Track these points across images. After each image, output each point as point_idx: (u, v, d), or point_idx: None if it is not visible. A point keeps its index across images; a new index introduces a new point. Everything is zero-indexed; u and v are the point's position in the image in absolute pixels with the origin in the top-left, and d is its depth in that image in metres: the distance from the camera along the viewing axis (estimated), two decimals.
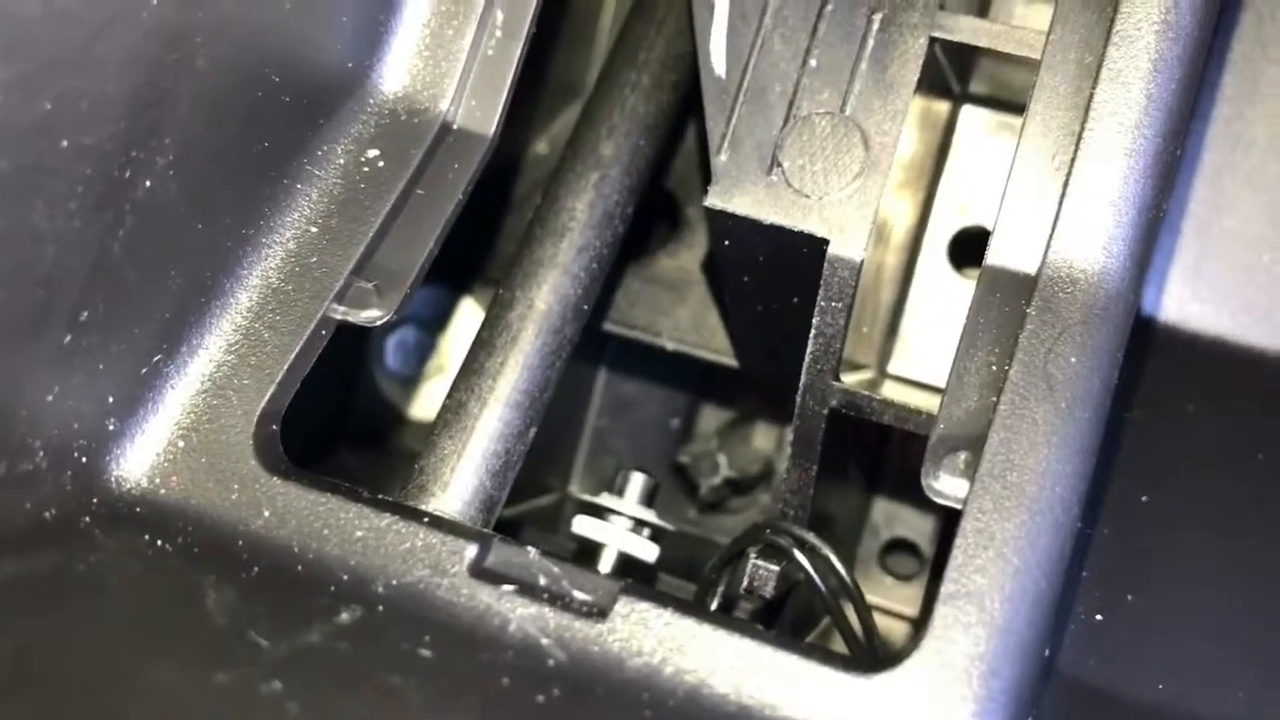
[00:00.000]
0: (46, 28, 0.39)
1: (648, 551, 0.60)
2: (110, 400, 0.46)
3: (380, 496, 0.46)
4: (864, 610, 0.53)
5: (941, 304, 0.64)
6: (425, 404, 0.78)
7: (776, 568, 0.53)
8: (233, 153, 0.48)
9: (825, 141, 0.52)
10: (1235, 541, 0.57)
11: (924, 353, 0.65)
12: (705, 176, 0.66)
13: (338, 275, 0.50)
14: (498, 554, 0.45)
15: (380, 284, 0.50)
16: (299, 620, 0.40)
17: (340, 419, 0.77)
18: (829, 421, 0.55)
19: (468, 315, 0.77)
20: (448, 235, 0.51)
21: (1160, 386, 0.61)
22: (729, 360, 0.69)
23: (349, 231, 0.51)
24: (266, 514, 0.45)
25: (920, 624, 0.43)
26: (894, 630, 0.70)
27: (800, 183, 0.52)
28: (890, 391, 0.59)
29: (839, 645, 0.53)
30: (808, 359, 0.54)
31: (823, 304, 0.53)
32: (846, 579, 0.53)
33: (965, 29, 0.52)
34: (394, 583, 0.44)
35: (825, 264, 0.52)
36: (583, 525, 0.60)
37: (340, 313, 0.50)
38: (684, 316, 0.69)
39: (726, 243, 0.55)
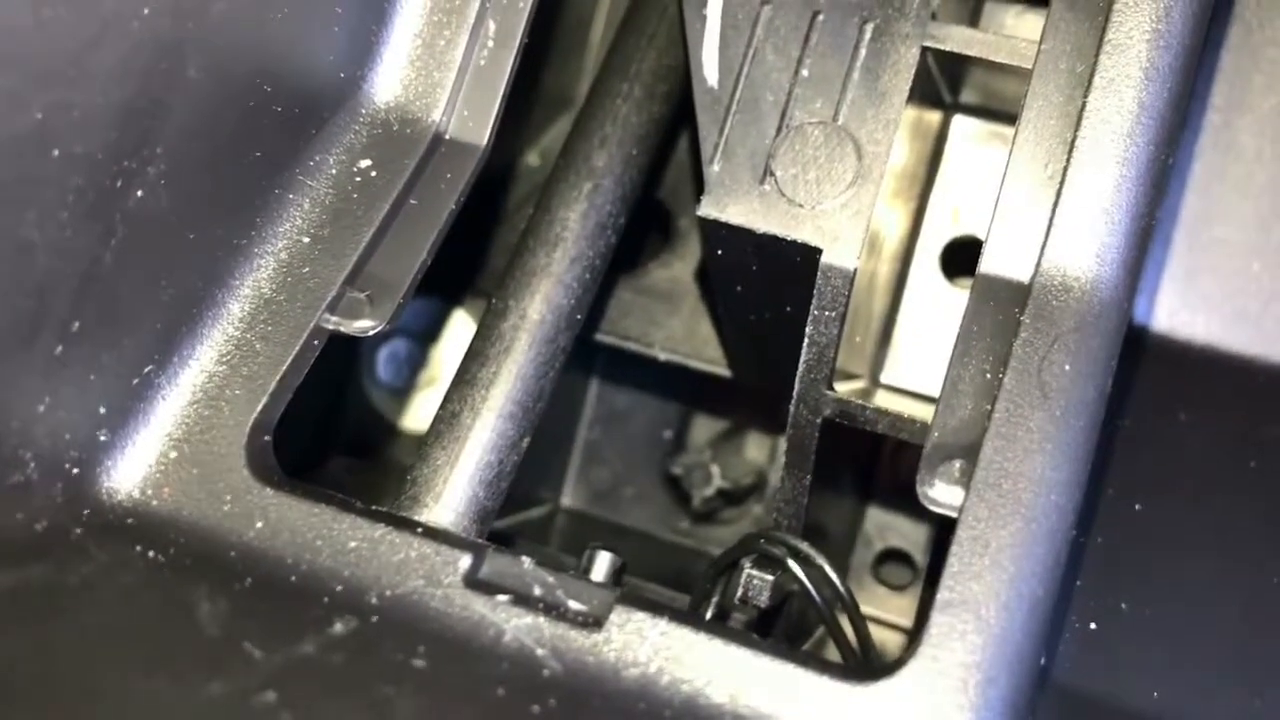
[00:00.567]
0: (37, 38, 0.39)
1: None
2: (102, 411, 0.46)
3: (374, 507, 0.46)
4: (859, 620, 0.53)
5: (934, 313, 0.64)
6: (416, 416, 0.78)
7: (771, 577, 0.53)
8: (225, 163, 0.48)
9: (818, 151, 0.53)
10: (1228, 549, 0.57)
11: (916, 362, 0.65)
12: (697, 186, 0.66)
13: (330, 285, 0.50)
14: (492, 564, 0.45)
15: (373, 294, 0.50)
16: (292, 631, 0.40)
17: (331, 431, 0.76)
18: (823, 431, 0.55)
19: (459, 327, 0.77)
20: (441, 245, 0.51)
21: (1152, 395, 0.61)
22: (721, 370, 0.69)
23: (341, 241, 0.50)
24: (259, 525, 0.45)
25: (916, 632, 0.43)
26: (888, 641, 0.69)
27: (793, 192, 0.52)
28: (883, 401, 0.59)
29: (833, 655, 0.53)
30: (801, 368, 0.54)
31: (816, 313, 0.53)
32: (841, 589, 0.53)
33: (957, 38, 0.52)
34: (388, 593, 0.43)
35: (819, 273, 0.52)
36: None
37: (333, 323, 0.49)
38: (676, 327, 0.69)
39: (720, 252, 0.55)
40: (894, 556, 0.72)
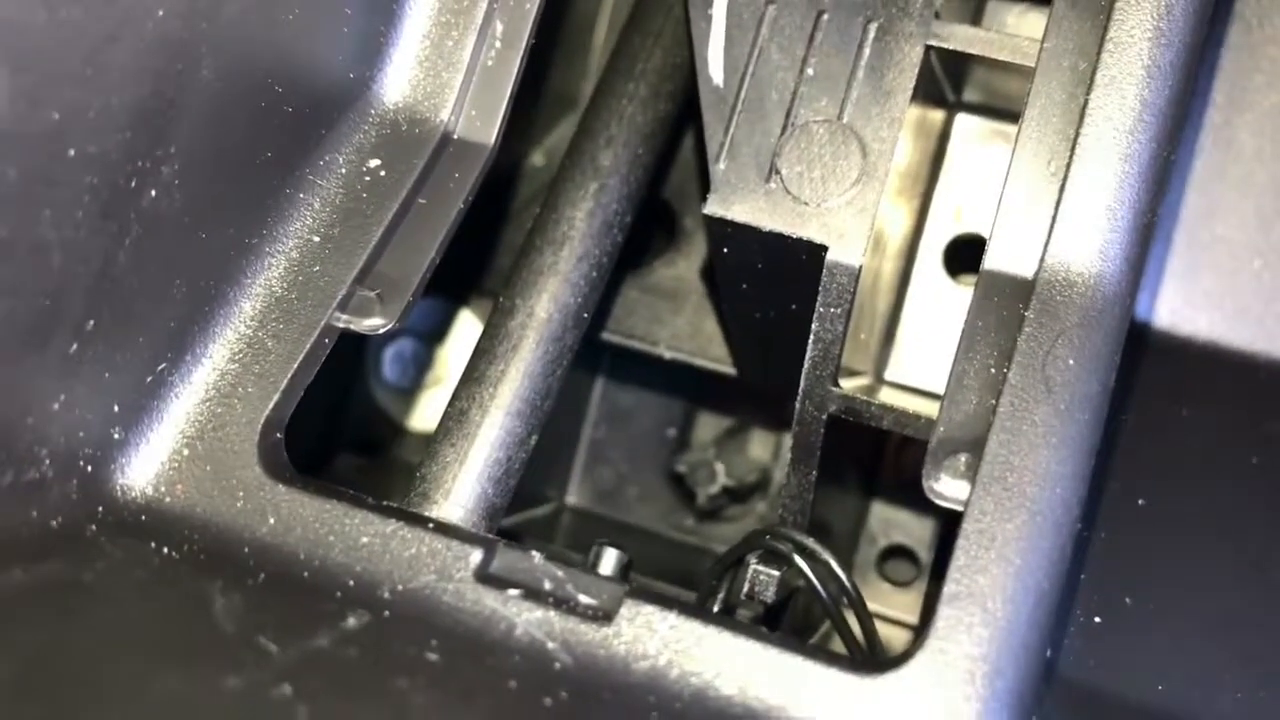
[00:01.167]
0: (53, 39, 0.39)
1: None
2: (115, 409, 0.46)
3: (385, 503, 0.47)
4: (864, 615, 0.54)
5: (938, 311, 0.65)
6: (422, 416, 0.78)
7: (777, 573, 0.53)
8: (236, 163, 0.48)
9: (823, 149, 0.53)
10: (1231, 544, 0.57)
11: (920, 360, 0.65)
12: (703, 185, 0.67)
13: (340, 284, 0.50)
14: (503, 559, 0.45)
15: (383, 292, 0.50)
16: (306, 626, 0.41)
17: (337, 430, 0.77)
18: (828, 427, 0.55)
19: (465, 327, 0.77)
20: (449, 245, 0.52)
21: (1154, 391, 0.61)
22: (726, 369, 0.69)
23: (351, 241, 0.51)
24: (272, 521, 0.45)
25: (922, 626, 0.43)
26: (892, 637, 0.70)
27: (798, 190, 0.53)
28: (888, 397, 0.59)
29: (839, 651, 0.53)
30: (806, 365, 0.55)
31: (821, 310, 0.53)
32: (846, 584, 0.54)
33: (960, 37, 0.53)
34: (400, 588, 0.44)
35: (824, 270, 0.53)
36: None
37: (343, 321, 0.50)
38: (681, 325, 0.70)
39: (725, 250, 0.56)
40: (898, 553, 0.73)
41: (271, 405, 0.48)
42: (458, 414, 0.54)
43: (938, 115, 0.64)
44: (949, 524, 0.47)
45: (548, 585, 0.45)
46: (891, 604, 0.72)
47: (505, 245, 0.72)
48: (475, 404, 0.54)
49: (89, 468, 0.45)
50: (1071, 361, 0.45)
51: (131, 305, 0.45)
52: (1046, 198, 0.49)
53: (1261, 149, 0.64)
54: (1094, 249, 0.48)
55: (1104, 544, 0.56)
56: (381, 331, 0.50)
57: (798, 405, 0.55)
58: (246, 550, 0.45)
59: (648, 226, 0.71)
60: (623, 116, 0.59)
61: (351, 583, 0.44)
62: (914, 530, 0.72)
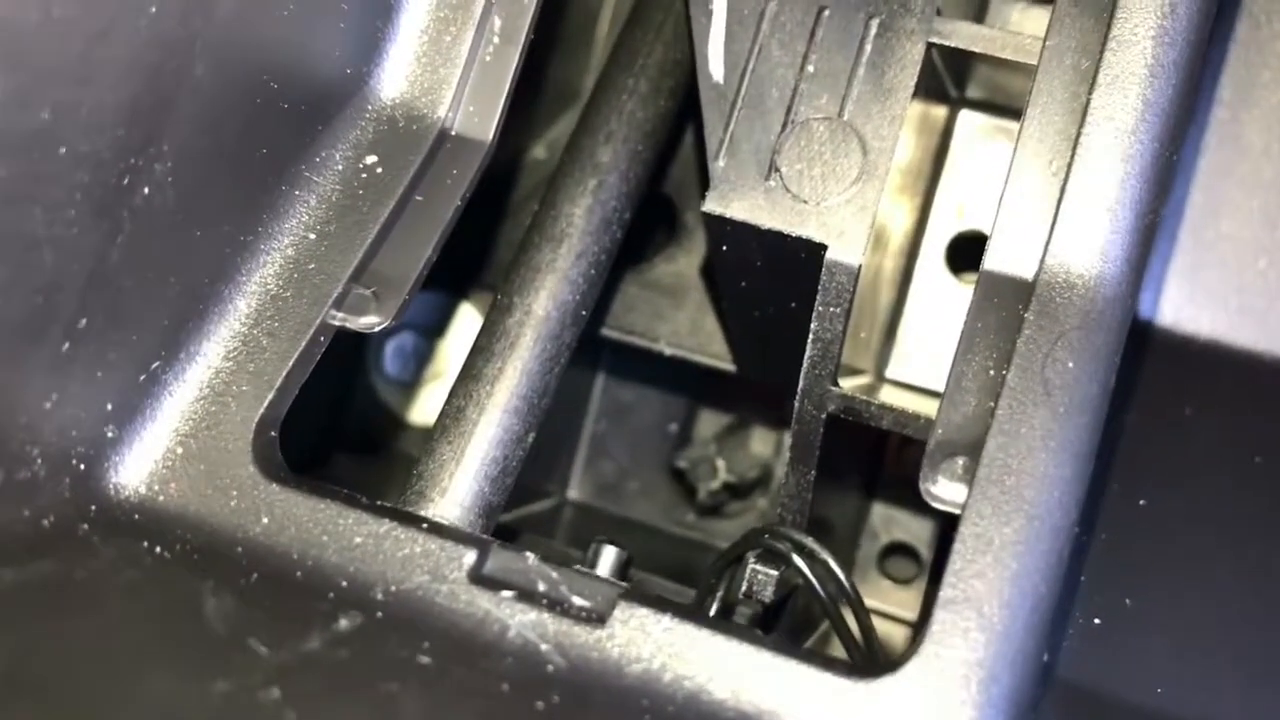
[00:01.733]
0: (45, 36, 0.39)
1: None
2: (109, 407, 0.46)
3: (379, 503, 0.46)
4: (863, 614, 0.53)
5: (939, 309, 0.64)
6: (423, 410, 0.78)
7: (775, 572, 0.53)
8: (231, 160, 0.48)
9: (823, 146, 0.53)
10: (1233, 545, 0.57)
11: (922, 358, 0.65)
12: (703, 182, 0.66)
13: (336, 282, 0.50)
14: (496, 560, 0.45)
15: (379, 290, 0.50)
16: (298, 627, 0.40)
17: (338, 425, 0.77)
18: (827, 426, 0.55)
19: (466, 321, 0.77)
20: (446, 241, 0.52)
21: (1157, 390, 0.61)
22: (727, 365, 0.69)
23: (347, 238, 0.51)
24: (265, 520, 0.45)
25: (919, 629, 0.43)
26: (893, 634, 0.70)
27: (798, 188, 0.53)
28: (888, 396, 0.59)
29: (838, 649, 0.53)
30: (806, 364, 0.54)
31: (821, 308, 0.53)
32: (845, 583, 0.53)
33: (962, 34, 0.52)
34: (393, 589, 0.44)
35: (823, 269, 0.52)
36: None
37: (339, 319, 0.50)
38: (682, 321, 0.69)
39: (725, 248, 0.55)
40: (899, 550, 0.72)
41: (266, 404, 0.48)
42: (455, 412, 0.54)
43: (940, 112, 0.63)
44: (948, 525, 0.47)
45: (542, 586, 0.44)
46: (892, 601, 0.71)
47: (507, 239, 0.72)
48: (472, 402, 0.54)
49: (81, 466, 0.45)
50: (1071, 364, 0.45)
51: (125, 303, 0.45)
52: (1047, 197, 0.49)
53: (1268, 146, 0.63)
54: (1095, 250, 0.47)
55: (1105, 545, 0.55)
56: (377, 330, 0.50)
57: (797, 404, 0.55)
58: (239, 550, 0.44)
59: (648, 222, 0.71)
60: (623, 112, 0.59)
61: (344, 583, 0.44)
62: (915, 528, 0.72)
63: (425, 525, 0.46)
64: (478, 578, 0.44)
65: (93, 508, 0.45)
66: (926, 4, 0.52)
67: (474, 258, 0.73)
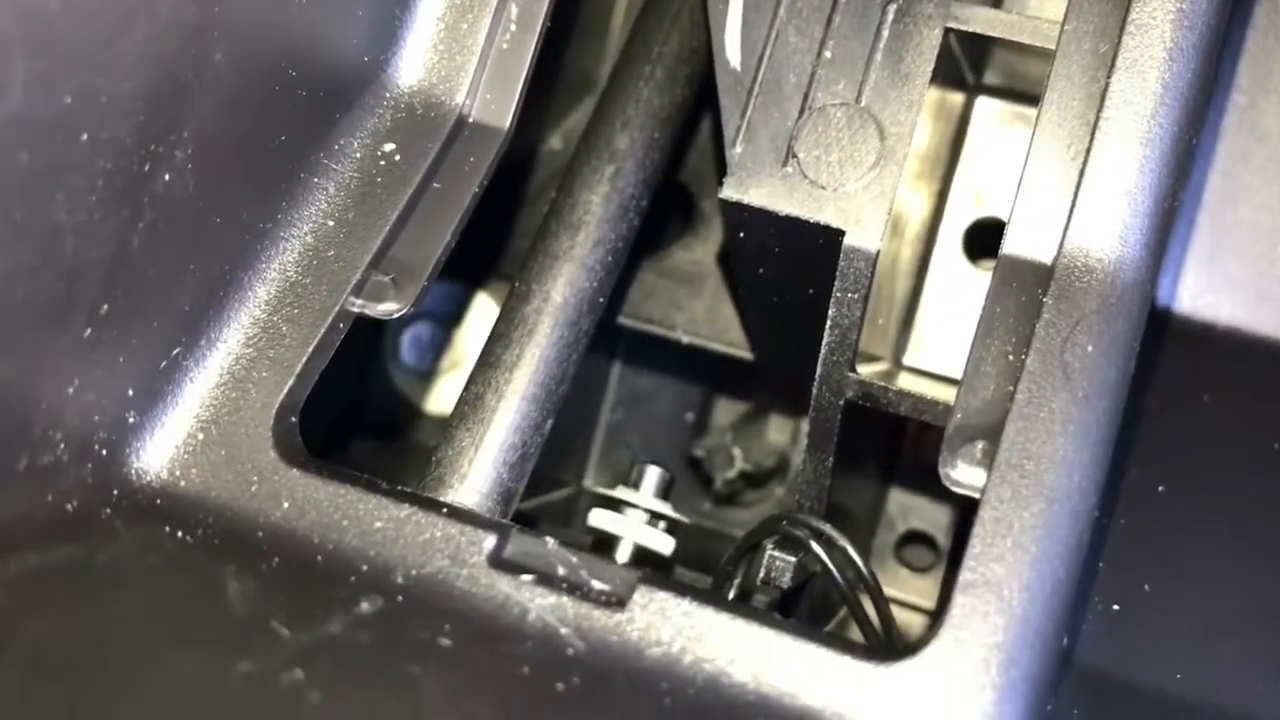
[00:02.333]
0: (66, 24, 0.39)
1: (663, 544, 0.60)
2: (130, 393, 0.46)
3: (399, 488, 0.47)
4: (881, 601, 0.53)
5: (957, 295, 0.64)
6: (440, 399, 0.78)
7: (793, 559, 0.53)
8: (250, 147, 0.48)
9: (840, 132, 0.53)
10: (1251, 531, 0.57)
11: (939, 344, 0.65)
12: (720, 169, 0.66)
13: (355, 268, 0.50)
14: (516, 544, 0.45)
15: (397, 277, 0.50)
16: (319, 610, 0.41)
17: (356, 414, 0.77)
18: (845, 413, 0.55)
19: (483, 310, 0.77)
20: (464, 229, 0.52)
21: (1176, 377, 0.61)
22: (744, 353, 0.69)
23: (366, 225, 0.51)
24: (286, 505, 0.45)
25: (938, 613, 0.43)
26: (911, 623, 0.70)
27: (816, 174, 0.52)
28: (906, 383, 0.59)
29: (856, 637, 0.53)
30: (823, 350, 0.54)
31: (839, 295, 0.53)
32: (863, 570, 0.53)
33: (980, 19, 0.52)
34: (413, 573, 0.44)
35: (841, 255, 0.52)
36: (599, 518, 0.60)
37: (358, 306, 0.50)
38: (699, 309, 0.69)
39: (742, 235, 0.55)
40: (916, 538, 0.72)
41: (286, 390, 0.48)
42: (473, 399, 0.54)
43: (958, 98, 0.63)
44: (967, 511, 0.47)
45: (561, 571, 0.44)
46: (910, 589, 0.71)
47: (524, 229, 0.72)
48: (491, 389, 0.54)
49: (104, 452, 0.45)
50: (1090, 348, 0.45)
51: (145, 289, 0.45)
52: (1066, 182, 0.49)
53: None
54: (1114, 234, 0.47)
55: (1124, 531, 0.55)
56: (396, 316, 0.50)
57: (814, 391, 0.55)
58: (260, 534, 0.45)
59: (665, 210, 0.71)
60: (639, 100, 0.59)
61: (365, 567, 0.44)
62: (933, 516, 0.72)
63: (445, 510, 0.46)
64: (498, 562, 0.44)
65: (115, 492, 0.45)
66: None
67: (491, 247, 0.73)
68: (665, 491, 0.62)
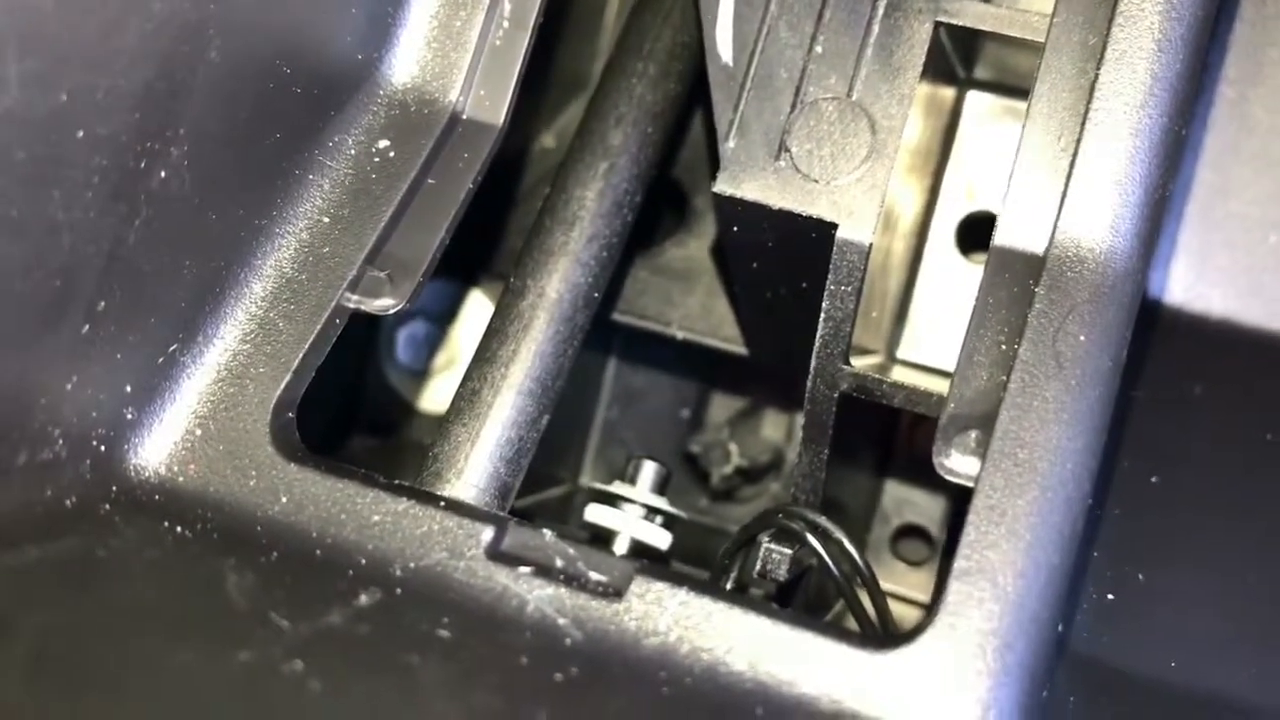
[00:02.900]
0: (62, 20, 0.39)
1: (660, 539, 0.60)
2: (128, 389, 0.46)
3: (396, 482, 0.47)
4: (877, 593, 0.54)
5: (949, 289, 0.65)
6: (435, 397, 0.78)
7: (789, 551, 0.53)
8: (245, 144, 0.48)
9: (832, 126, 0.53)
10: (1244, 521, 0.57)
11: (932, 338, 0.65)
12: (713, 164, 0.67)
13: (351, 264, 0.50)
14: (514, 536, 0.45)
15: (393, 273, 0.51)
16: (319, 603, 0.41)
17: (351, 411, 0.77)
18: (840, 405, 0.55)
19: (476, 308, 0.77)
20: (458, 225, 0.52)
21: (1167, 368, 0.61)
22: (738, 349, 0.69)
23: (361, 221, 0.51)
24: (284, 500, 0.46)
25: (934, 601, 0.43)
26: (906, 616, 0.70)
27: (808, 168, 0.53)
28: (899, 376, 0.59)
29: (853, 629, 0.53)
30: (818, 343, 0.54)
31: (832, 288, 0.53)
32: (859, 562, 0.54)
33: (969, 13, 0.52)
34: (412, 565, 0.44)
35: (834, 248, 0.53)
36: (596, 513, 0.60)
37: (354, 301, 0.50)
38: (693, 305, 0.70)
39: (735, 229, 0.56)
40: (911, 532, 0.73)
41: (283, 385, 0.48)
42: (469, 394, 0.54)
43: (948, 92, 0.63)
44: (961, 501, 0.47)
45: (559, 563, 0.45)
46: (905, 583, 0.72)
47: (517, 226, 0.72)
48: (487, 384, 0.54)
49: (102, 447, 0.46)
50: (1082, 337, 0.45)
51: (142, 286, 0.46)
52: (1057, 173, 0.49)
53: (1276, 124, 0.63)
54: (1105, 224, 0.48)
55: (1117, 521, 0.55)
56: (392, 312, 0.50)
57: (809, 384, 0.55)
58: (259, 529, 0.45)
59: (657, 206, 0.71)
60: (632, 96, 0.59)
61: (363, 561, 0.44)
62: (928, 509, 0.72)
63: (443, 503, 0.46)
64: (495, 554, 0.45)
65: (113, 488, 0.45)
66: None
67: (484, 245, 0.73)
68: (662, 487, 0.63)
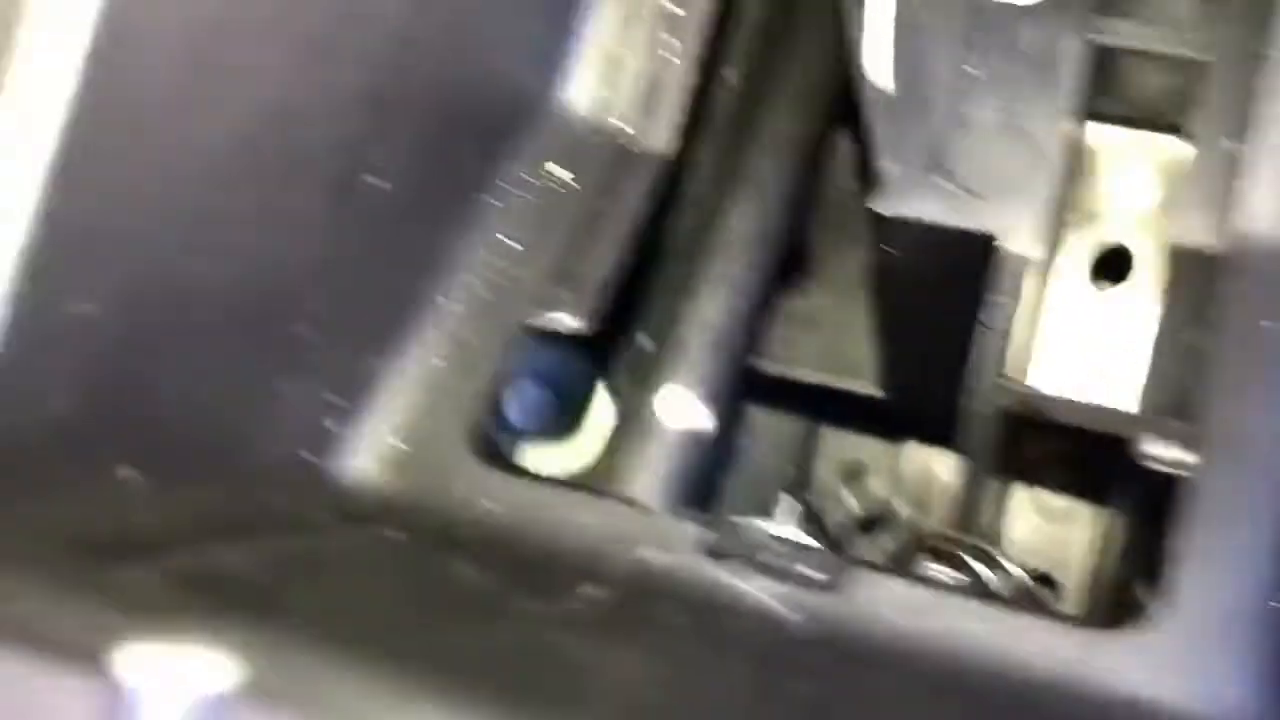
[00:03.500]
0: (304, 10, 0.40)
1: None
2: (333, 398, 0.47)
3: (596, 487, 0.47)
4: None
5: (1079, 318, 0.65)
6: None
7: (951, 571, 0.53)
8: (438, 163, 0.49)
9: (989, 144, 0.54)
10: None
11: (1062, 368, 0.65)
12: (826, 211, 0.67)
13: (535, 285, 0.51)
14: (724, 534, 0.45)
15: (575, 295, 0.52)
16: (556, 590, 0.41)
17: None
18: (998, 422, 0.56)
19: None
20: (631, 252, 0.53)
21: None
22: (862, 390, 0.69)
23: (542, 245, 0.52)
24: (490, 504, 0.46)
25: (1154, 584, 0.43)
26: None
27: (968, 184, 0.54)
28: None
29: None
30: (972, 359, 0.55)
31: (990, 300, 0.54)
32: (1026, 581, 0.54)
33: (1125, 32, 0.54)
34: (629, 560, 0.44)
35: (995, 260, 0.54)
36: None
37: (541, 322, 0.51)
38: (817, 348, 0.70)
39: (891, 249, 0.57)
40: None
41: (477, 399, 0.48)
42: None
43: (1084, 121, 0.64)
44: (1153, 490, 0.47)
45: (769, 558, 0.45)
46: None
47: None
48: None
49: (310, 455, 0.46)
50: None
51: (346, 295, 0.46)
52: (1225, 172, 0.50)
53: None
54: None
55: None
56: (578, 331, 0.51)
57: (964, 400, 0.56)
58: (471, 532, 0.45)
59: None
60: (778, 130, 0.61)
61: (582, 558, 0.44)
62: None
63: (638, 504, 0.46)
64: (706, 550, 0.45)
65: (325, 495, 0.45)
66: (1084, 1, 0.54)
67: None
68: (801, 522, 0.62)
